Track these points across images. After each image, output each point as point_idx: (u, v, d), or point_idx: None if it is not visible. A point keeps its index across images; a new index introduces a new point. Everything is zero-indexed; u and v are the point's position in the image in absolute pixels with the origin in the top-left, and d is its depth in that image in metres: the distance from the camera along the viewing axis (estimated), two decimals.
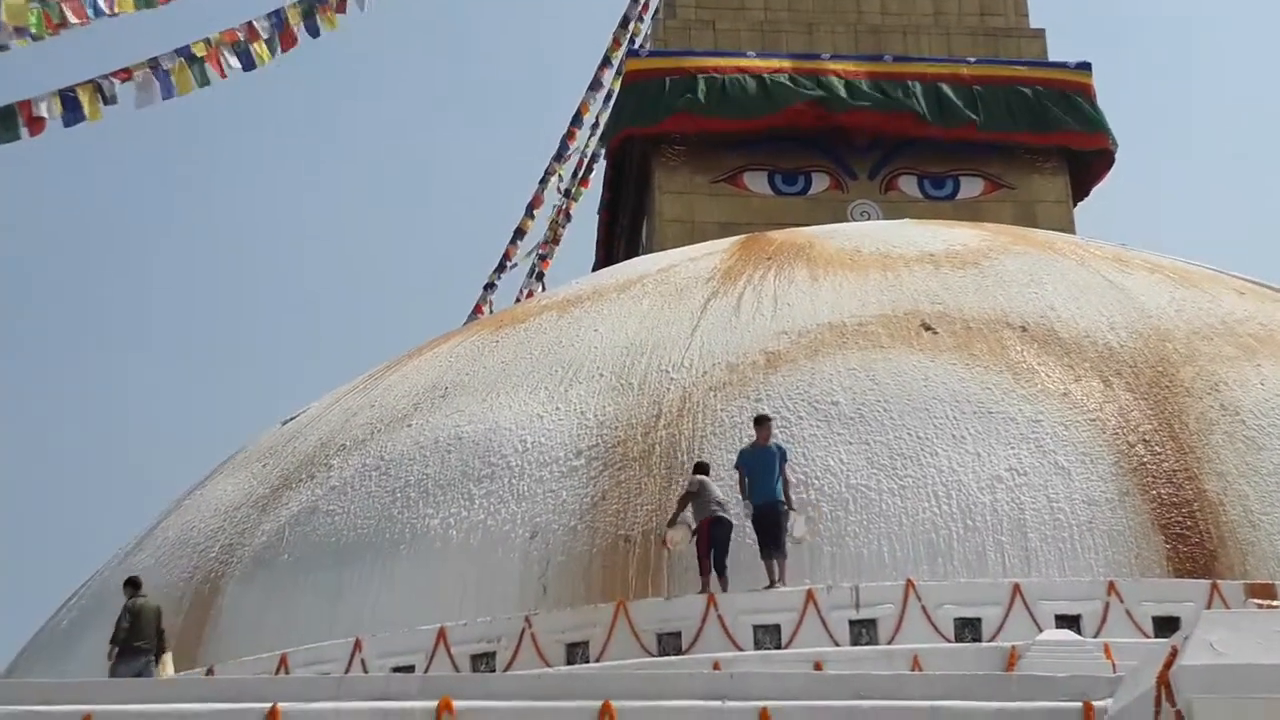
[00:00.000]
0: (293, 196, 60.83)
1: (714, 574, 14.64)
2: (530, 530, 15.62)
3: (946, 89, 26.05)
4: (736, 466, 15.07)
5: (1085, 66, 26.92)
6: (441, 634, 14.57)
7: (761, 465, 14.98)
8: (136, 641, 14.82)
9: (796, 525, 14.81)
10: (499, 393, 17.54)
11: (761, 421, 15.35)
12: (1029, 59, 27.02)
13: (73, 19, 19.42)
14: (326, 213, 61.31)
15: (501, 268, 32.28)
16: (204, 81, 21.39)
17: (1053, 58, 27.19)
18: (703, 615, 14.18)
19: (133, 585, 15.41)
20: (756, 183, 25.75)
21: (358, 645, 14.73)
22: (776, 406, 16.25)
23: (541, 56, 65.07)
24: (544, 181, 32.37)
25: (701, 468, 15.21)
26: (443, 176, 62.64)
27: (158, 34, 22.31)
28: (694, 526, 14.78)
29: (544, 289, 31.05)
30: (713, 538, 14.71)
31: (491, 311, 30.88)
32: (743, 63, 26.31)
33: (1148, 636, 13.79)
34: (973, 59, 26.75)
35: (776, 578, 14.57)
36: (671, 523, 14.88)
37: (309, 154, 63.26)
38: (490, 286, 32.12)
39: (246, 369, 58.10)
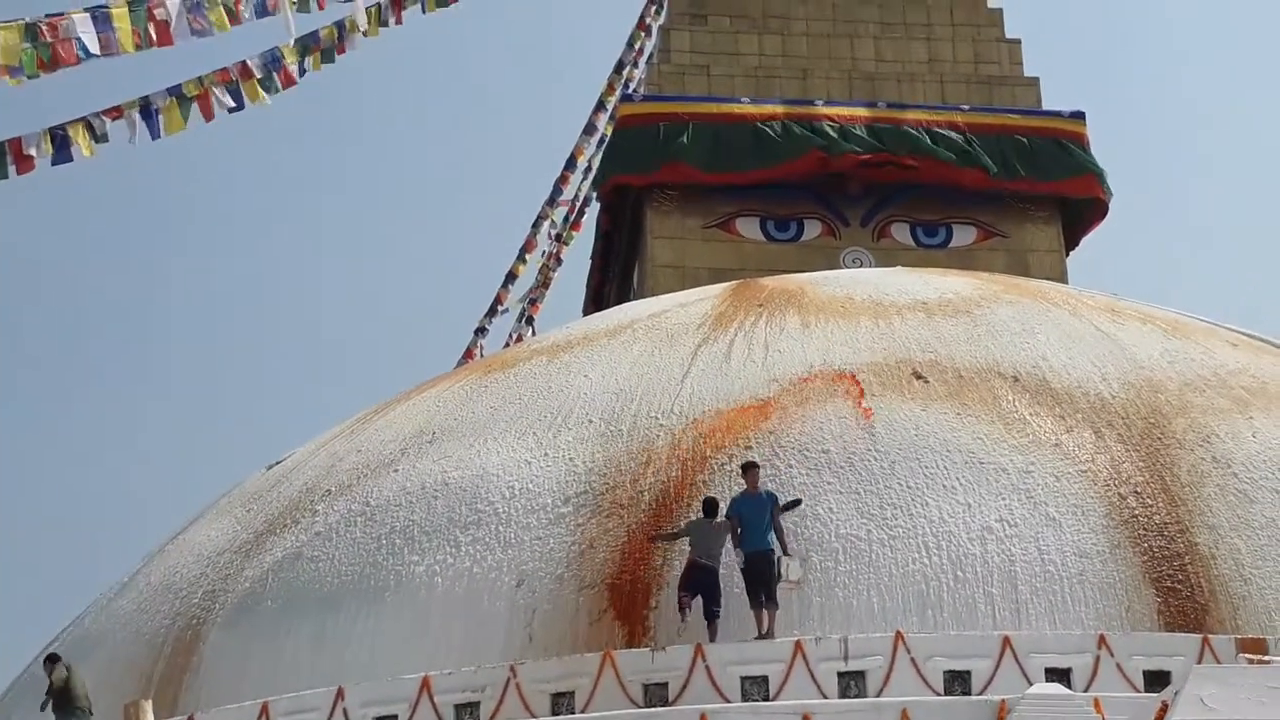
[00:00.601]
0: (281, 235, 60.86)
1: (705, 622, 14.52)
2: (517, 578, 15.49)
3: (943, 135, 26.10)
4: (728, 516, 14.98)
5: (1079, 115, 26.96)
6: (425, 683, 14.40)
7: (753, 513, 14.89)
8: (76, 704, 14.86)
9: (791, 568, 14.70)
10: (487, 438, 17.44)
11: (749, 468, 15.27)
12: (1023, 107, 27.07)
13: (65, 59, 19.41)
14: (317, 254, 61.35)
15: (493, 311, 32.22)
16: (186, 121, 21.30)
17: (1047, 106, 27.26)
18: (690, 666, 14.04)
19: (52, 661, 15.41)
20: (749, 229, 25.74)
21: (340, 694, 14.55)
22: (767, 454, 16.17)
23: (536, 100, 65.24)
24: (536, 225, 32.36)
25: (708, 505, 15.06)
26: (434, 221, 62.69)
27: (152, 72, 22.28)
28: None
29: (534, 333, 31.00)
30: (693, 582, 14.62)
31: (483, 355, 30.81)
32: (737, 109, 26.32)
33: (1138, 691, 13.66)
34: (967, 106, 26.80)
35: (766, 628, 14.44)
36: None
37: (299, 191, 63.35)
38: (481, 330, 32.05)
39: (233, 412, 57.86)
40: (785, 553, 14.72)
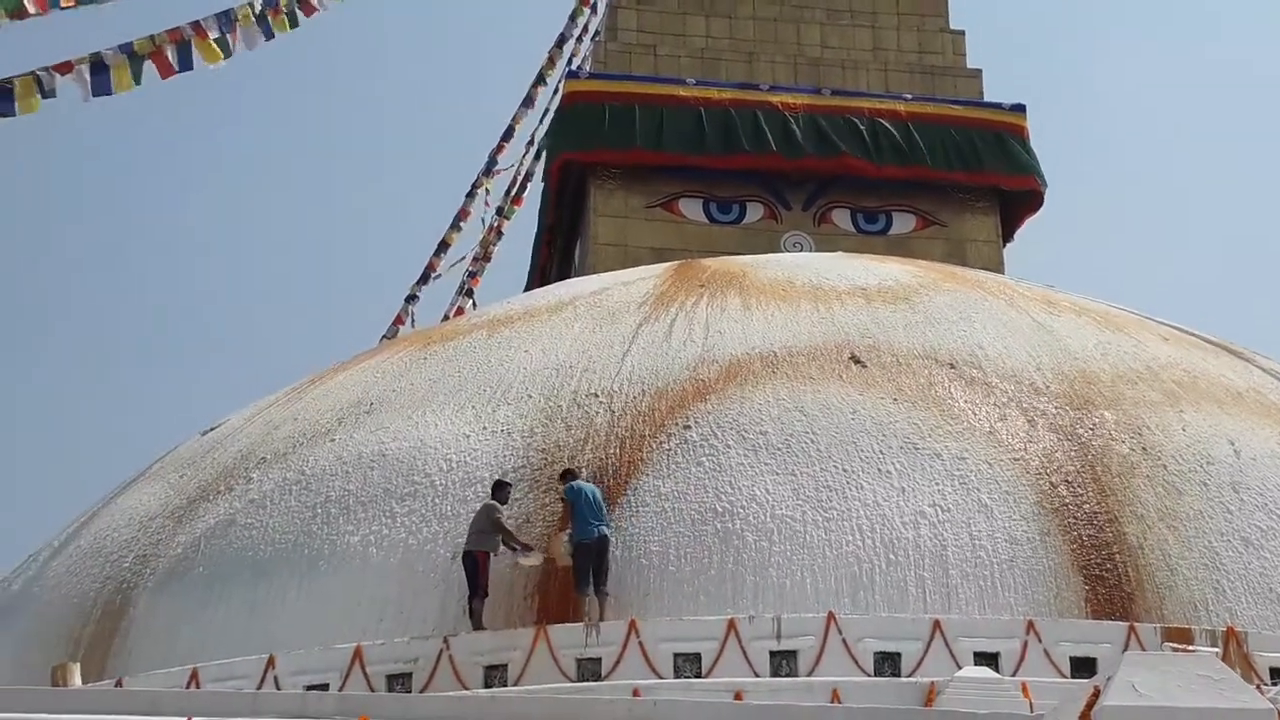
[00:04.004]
0: (220, 199, 60.23)
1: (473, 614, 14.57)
2: (452, 551, 15.47)
3: (884, 124, 26.28)
4: (564, 499, 15.06)
5: (1020, 108, 27.24)
6: (358, 653, 14.38)
7: (581, 499, 14.90)
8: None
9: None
10: (425, 410, 17.39)
11: (564, 476, 15.26)
12: (965, 98, 27.29)
13: (32, 9, 19.15)
14: (250, 216, 60.74)
15: (425, 279, 32.00)
16: (139, 80, 21.04)
17: (988, 98, 27.50)
18: (624, 641, 14.10)
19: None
20: (692, 210, 25.82)
21: (271, 662, 14.50)
22: (705, 434, 16.25)
23: (472, 69, 64.88)
24: (470, 195, 32.18)
25: (499, 488, 15.29)
26: (365, 186, 62.24)
27: (103, 28, 21.99)
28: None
29: (474, 306, 30.86)
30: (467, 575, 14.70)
31: (414, 324, 30.67)
32: (682, 91, 26.35)
33: (1064, 676, 13.88)
34: (910, 96, 26.98)
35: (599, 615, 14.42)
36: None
37: (237, 157, 62.72)
38: (412, 298, 31.83)
39: (167, 376, 57.34)
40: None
